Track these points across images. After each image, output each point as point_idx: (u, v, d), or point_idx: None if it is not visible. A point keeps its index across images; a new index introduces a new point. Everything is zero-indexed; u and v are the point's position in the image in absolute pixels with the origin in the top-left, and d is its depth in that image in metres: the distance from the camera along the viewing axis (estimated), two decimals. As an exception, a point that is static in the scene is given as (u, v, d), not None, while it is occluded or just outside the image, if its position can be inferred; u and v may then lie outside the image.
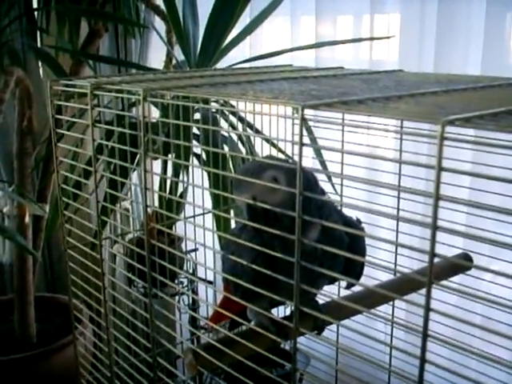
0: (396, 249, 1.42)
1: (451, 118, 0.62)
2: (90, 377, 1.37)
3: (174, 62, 2.56)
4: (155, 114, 2.29)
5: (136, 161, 2.26)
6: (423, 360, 0.68)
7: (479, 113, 0.66)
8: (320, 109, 0.76)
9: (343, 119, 1.16)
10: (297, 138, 0.74)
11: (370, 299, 1.15)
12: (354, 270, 1.14)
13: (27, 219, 2.43)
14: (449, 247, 1.40)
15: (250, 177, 1.01)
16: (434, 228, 0.64)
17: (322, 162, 1.90)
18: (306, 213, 0.82)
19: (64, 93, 1.33)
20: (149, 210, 1.88)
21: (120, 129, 1.27)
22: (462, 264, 1.22)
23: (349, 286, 1.21)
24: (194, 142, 2.13)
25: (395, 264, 1.43)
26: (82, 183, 1.47)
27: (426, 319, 0.67)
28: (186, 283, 2.46)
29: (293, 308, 1.01)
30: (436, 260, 1.30)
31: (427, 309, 0.66)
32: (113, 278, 1.34)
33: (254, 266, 0.93)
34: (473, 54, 2.18)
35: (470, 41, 2.18)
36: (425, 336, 0.67)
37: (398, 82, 1.10)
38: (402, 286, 1.17)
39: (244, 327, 1.16)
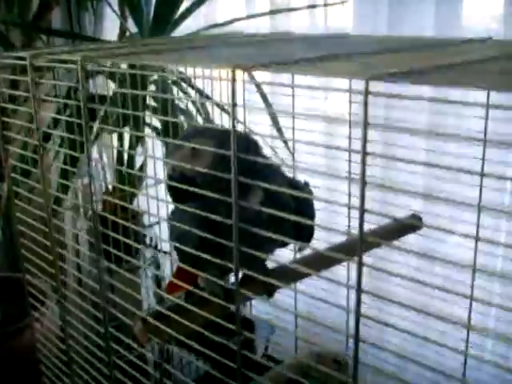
0: (349, 212, 1.44)
1: (375, 74, 0.62)
2: (48, 360, 1.35)
3: (127, 34, 2.52)
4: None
5: (94, 135, 2.25)
6: (358, 316, 0.69)
7: (405, 69, 0.67)
8: (253, 70, 0.76)
9: (294, 81, 1.15)
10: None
11: (321, 262, 1.16)
12: (304, 234, 1.14)
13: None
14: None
15: (172, 148, 1.02)
16: (363, 184, 0.64)
17: (277, 129, 1.90)
18: (241, 176, 0.82)
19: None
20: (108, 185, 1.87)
21: (65, 101, 1.24)
22: (412, 224, 1.24)
23: (301, 249, 1.22)
24: (148, 113, 2.12)
25: (349, 226, 1.44)
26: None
27: (360, 276, 0.68)
28: (148, 257, 2.46)
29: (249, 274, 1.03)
30: (386, 221, 1.33)
31: (359, 264, 0.67)
32: (76, 257, 1.33)
33: (198, 232, 0.92)
34: (426, 18, 2.18)
35: (424, 4, 2.18)
36: (359, 292, 0.68)
37: (340, 44, 1.10)
38: (352, 248, 1.18)
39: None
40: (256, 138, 1.09)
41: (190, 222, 0.99)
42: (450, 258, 1.39)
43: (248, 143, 1.02)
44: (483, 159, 1.25)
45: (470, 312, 1.39)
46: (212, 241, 0.93)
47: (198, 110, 2.18)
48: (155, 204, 1.53)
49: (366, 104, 0.61)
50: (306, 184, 1.17)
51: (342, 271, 1.46)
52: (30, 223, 1.37)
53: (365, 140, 0.63)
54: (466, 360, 1.42)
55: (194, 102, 2.14)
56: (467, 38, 1.14)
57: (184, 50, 1.08)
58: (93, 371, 1.19)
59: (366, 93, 0.61)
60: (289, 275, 1.11)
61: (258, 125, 1.70)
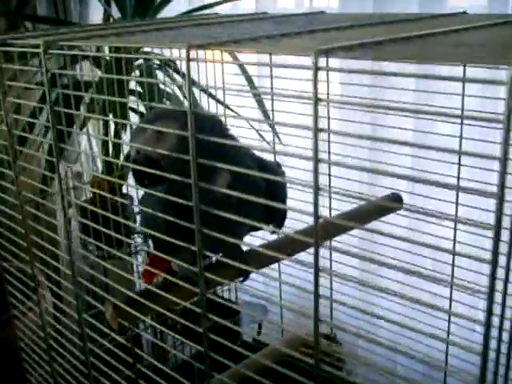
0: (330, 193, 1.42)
1: (324, 48, 0.60)
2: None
3: (111, 19, 2.49)
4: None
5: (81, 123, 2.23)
6: (317, 295, 0.68)
7: (356, 42, 0.65)
8: (208, 48, 0.74)
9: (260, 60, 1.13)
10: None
11: (294, 245, 1.14)
12: (276, 216, 1.13)
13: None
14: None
15: (136, 131, 1.01)
16: (316, 161, 0.63)
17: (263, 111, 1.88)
18: (205, 158, 0.80)
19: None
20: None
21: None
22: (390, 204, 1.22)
23: (274, 232, 1.21)
24: (132, 98, 2.10)
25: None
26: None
27: (316, 257, 0.66)
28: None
29: (218, 258, 1.01)
30: (364, 202, 1.32)
31: (316, 245, 0.66)
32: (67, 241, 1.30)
33: (163, 216, 0.91)
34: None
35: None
36: (316, 271, 0.67)
37: (312, 22, 1.08)
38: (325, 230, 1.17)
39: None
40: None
41: (157, 206, 0.97)
42: (432, 237, 1.40)
43: (213, 124, 1.00)
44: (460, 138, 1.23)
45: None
46: (180, 224, 0.92)
47: (184, 95, 2.17)
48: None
49: (315, 79, 0.60)
50: (279, 165, 1.15)
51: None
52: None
53: (316, 116, 0.61)
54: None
55: (180, 87, 2.12)
56: (441, 13, 1.12)
57: (152, 31, 1.06)
58: (71, 358, 1.19)
59: (315, 68, 0.59)
60: (263, 258, 1.10)
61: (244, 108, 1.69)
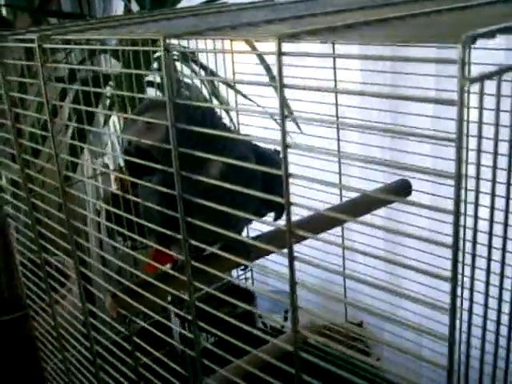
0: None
1: (288, 32, 0.60)
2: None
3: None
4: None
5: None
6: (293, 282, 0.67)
7: (324, 26, 0.64)
8: (184, 38, 0.74)
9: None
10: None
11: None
12: (275, 204, 1.12)
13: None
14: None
15: (128, 122, 1.02)
16: (285, 147, 0.63)
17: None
18: (196, 148, 0.80)
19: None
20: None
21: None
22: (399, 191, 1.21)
23: (276, 219, 1.20)
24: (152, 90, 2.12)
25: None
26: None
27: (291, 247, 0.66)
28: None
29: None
30: (372, 188, 1.30)
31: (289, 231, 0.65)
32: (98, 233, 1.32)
33: (157, 208, 0.91)
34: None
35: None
36: (291, 260, 0.66)
37: (311, 7, 1.07)
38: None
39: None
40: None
41: (151, 197, 0.98)
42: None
43: (203, 114, 1.00)
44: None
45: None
46: (176, 217, 0.92)
47: (203, 83, 2.17)
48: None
49: (279, 64, 0.59)
50: (277, 152, 1.14)
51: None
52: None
53: (281, 101, 0.61)
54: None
55: (201, 81, 2.13)
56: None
57: (147, 23, 1.07)
58: (82, 349, 1.21)
59: (279, 53, 0.59)
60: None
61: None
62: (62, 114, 1.99)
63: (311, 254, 1.63)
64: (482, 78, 0.46)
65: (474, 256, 0.85)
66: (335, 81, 1.42)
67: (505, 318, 0.98)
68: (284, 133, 0.61)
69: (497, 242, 0.83)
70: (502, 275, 0.84)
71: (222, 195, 0.92)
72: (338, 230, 1.54)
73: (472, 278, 0.91)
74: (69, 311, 1.24)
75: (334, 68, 1.39)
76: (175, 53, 2.24)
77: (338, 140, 1.47)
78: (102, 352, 1.12)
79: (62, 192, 1.07)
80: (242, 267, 1.17)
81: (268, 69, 2.07)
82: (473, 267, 0.91)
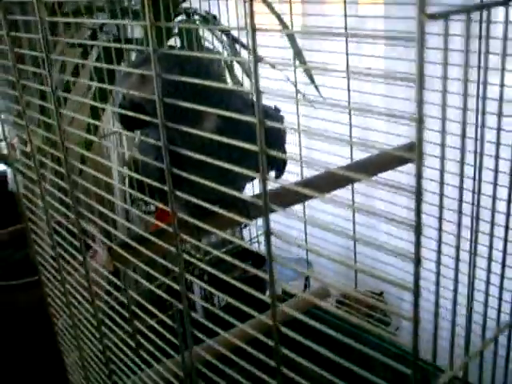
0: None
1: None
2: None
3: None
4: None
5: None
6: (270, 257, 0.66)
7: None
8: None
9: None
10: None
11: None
12: (274, 162, 1.11)
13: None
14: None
15: (122, 77, 1.01)
16: (258, 93, 0.61)
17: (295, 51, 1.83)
18: (190, 101, 0.79)
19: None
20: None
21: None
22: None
23: (277, 176, 1.18)
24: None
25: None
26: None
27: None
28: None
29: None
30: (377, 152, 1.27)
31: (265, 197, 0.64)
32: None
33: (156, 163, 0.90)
34: None
35: None
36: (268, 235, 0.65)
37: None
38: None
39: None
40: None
41: (148, 152, 0.98)
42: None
43: (198, 66, 0.99)
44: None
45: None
46: (172, 171, 0.91)
47: (223, 46, 2.15)
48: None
49: (251, 7, 0.58)
50: (277, 109, 1.12)
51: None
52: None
53: (254, 44, 0.59)
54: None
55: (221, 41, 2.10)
56: None
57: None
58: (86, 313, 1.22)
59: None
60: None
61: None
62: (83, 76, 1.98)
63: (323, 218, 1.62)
64: (445, 15, 0.44)
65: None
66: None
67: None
68: (257, 80, 0.59)
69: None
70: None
71: (218, 150, 0.90)
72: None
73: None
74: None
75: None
76: (196, 17, 2.22)
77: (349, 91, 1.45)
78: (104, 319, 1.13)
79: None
80: (243, 225, 1.16)
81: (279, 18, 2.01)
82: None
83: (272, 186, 1.12)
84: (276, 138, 1.08)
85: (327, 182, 1.17)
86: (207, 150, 0.84)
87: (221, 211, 0.87)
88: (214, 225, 0.98)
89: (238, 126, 0.99)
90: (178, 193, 0.88)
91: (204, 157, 0.82)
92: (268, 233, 0.67)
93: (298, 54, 1.84)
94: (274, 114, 1.11)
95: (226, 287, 0.98)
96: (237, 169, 0.80)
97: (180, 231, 0.95)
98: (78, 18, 1.93)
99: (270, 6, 1.89)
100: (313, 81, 1.85)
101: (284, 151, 1.11)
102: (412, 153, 0.47)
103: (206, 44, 2.17)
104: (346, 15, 1.41)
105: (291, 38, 1.80)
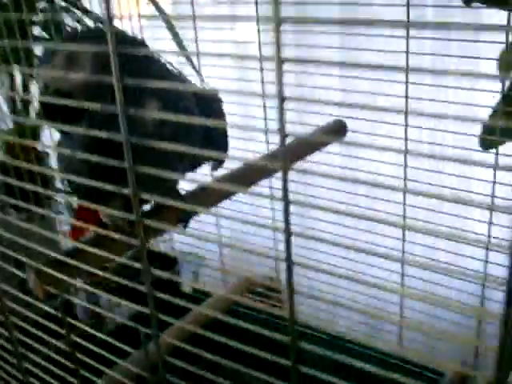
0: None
1: None
2: None
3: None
4: None
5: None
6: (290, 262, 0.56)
7: None
8: None
9: None
10: None
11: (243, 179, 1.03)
12: (217, 146, 0.99)
13: None
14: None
15: (43, 61, 0.84)
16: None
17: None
18: (132, 90, 0.66)
19: None
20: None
21: None
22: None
23: (215, 167, 1.06)
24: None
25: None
26: None
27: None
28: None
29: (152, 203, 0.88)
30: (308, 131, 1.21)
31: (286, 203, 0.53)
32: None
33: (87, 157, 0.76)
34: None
35: None
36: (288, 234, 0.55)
37: None
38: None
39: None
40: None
41: (76, 148, 0.82)
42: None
43: (134, 46, 0.85)
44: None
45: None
46: (105, 168, 0.77)
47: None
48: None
49: None
50: (216, 92, 1.00)
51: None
52: None
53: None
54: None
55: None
56: None
57: None
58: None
59: None
60: (204, 200, 0.97)
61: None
62: None
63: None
64: None
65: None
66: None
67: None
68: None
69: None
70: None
71: (160, 140, 0.78)
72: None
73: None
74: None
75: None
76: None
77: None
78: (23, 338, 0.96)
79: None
80: (184, 224, 1.03)
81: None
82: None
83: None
84: (218, 130, 0.97)
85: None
86: (149, 139, 0.72)
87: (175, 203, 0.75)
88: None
89: (180, 111, 0.87)
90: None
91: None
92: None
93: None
94: (214, 97, 0.98)
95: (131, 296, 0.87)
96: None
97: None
98: None
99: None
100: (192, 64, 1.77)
101: (226, 142, 1.00)
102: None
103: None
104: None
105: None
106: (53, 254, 0.83)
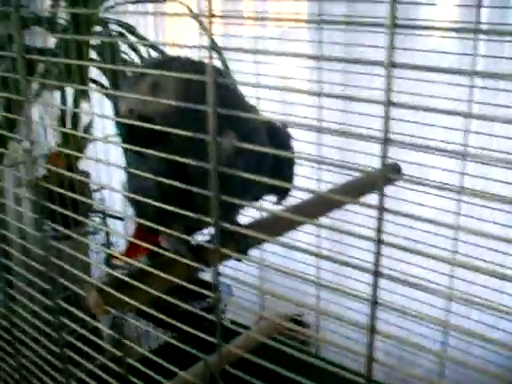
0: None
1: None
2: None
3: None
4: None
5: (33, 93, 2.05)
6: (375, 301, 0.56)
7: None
8: None
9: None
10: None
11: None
12: (283, 178, 1.00)
13: None
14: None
15: (128, 85, 0.87)
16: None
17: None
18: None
19: None
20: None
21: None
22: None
23: (279, 201, 1.07)
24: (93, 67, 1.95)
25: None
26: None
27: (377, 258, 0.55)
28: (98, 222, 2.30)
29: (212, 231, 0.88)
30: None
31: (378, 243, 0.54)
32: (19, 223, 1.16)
33: (166, 181, 0.77)
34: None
35: None
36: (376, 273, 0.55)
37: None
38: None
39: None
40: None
41: (149, 171, 0.83)
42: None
43: (218, 75, 0.87)
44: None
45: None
46: (177, 193, 0.79)
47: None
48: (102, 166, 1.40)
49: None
50: (285, 125, 1.01)
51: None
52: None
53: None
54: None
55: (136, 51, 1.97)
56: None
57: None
58: (41, 350, 1.05)
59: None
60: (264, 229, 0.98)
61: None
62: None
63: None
64: None
65: None
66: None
67: None
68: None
69: None
70: None
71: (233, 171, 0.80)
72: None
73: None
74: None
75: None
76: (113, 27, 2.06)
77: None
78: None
79: None
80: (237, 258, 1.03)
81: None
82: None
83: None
84: (287, 161, 0.98)
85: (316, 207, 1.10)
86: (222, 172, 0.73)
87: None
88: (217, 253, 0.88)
89: (253, 141, 0.88)
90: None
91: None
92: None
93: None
94: (284, 131, 1.00)
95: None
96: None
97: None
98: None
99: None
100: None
101: (292, 174, 1.01)
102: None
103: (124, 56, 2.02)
104: None
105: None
106: (117, 274, 0.83)
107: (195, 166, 0.71)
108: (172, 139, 0.81)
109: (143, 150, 0.76)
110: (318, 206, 1.11)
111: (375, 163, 1.28)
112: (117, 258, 1.08)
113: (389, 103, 0.48)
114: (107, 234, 2.26)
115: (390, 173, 1.26)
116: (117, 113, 0.86)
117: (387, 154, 0.52)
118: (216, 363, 0.80)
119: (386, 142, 0.51)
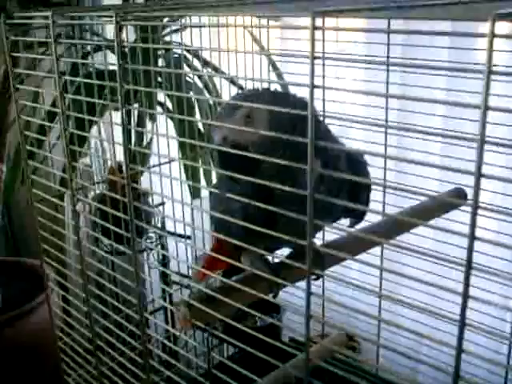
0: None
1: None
2: (66, 339, 1.26)
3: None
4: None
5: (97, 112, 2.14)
6: (460, 350, 0.60)
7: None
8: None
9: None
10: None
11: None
12: (359, 202, 1.05)
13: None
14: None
15: (222, 115, 0.93)
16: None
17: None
18: (303, 145, 0.71)
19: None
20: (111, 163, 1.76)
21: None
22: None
23: (353, 224, 1.12)
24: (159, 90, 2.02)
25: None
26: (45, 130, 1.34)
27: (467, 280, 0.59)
28: (154, 238, 2.36)
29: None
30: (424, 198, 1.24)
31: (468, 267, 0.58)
32: (77, 236, 1.23)
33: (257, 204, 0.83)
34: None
35: None
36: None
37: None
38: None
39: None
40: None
41: (240, 195, 0.89)
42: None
43: (304, 107, 0.93)
44: None
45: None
46: (263, 215, 0.85)
47: (207, 88, 2.10)
48: (163, 183, 1.47)
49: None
50: (361, 154, 1.08)
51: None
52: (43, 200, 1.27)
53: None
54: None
55: (201, 77, 2.04)
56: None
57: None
58: (122, 359, 1.11)
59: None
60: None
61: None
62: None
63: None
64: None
65: None
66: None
67: None
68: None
69: None
70: None
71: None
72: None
73: None
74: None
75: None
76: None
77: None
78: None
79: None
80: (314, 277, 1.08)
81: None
82: None
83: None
84: (363, 187, 1.04)
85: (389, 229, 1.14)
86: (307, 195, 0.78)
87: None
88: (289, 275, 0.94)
89: (336, 168, 0.94)
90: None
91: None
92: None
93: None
94: (362, 159, 1.06)
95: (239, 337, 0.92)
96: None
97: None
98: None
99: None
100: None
101: (368, 198, 1.06)
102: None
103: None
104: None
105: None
106: (205, 290, 0.89)
107: (282, 191, 0.76)
108: (263, 166, 0.87)
109: (237, 175, 0.82)
110: (390, 229, 1.15)
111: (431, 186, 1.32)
112: (199, 272, 1.14)
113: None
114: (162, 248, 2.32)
115: (462, 198, 1.30)
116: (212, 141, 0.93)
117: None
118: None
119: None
